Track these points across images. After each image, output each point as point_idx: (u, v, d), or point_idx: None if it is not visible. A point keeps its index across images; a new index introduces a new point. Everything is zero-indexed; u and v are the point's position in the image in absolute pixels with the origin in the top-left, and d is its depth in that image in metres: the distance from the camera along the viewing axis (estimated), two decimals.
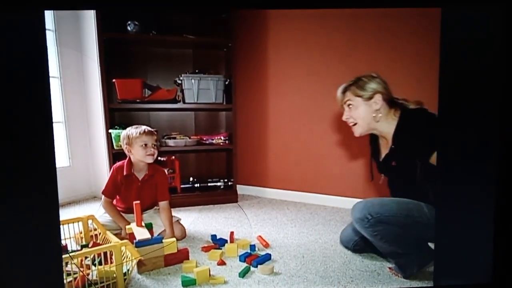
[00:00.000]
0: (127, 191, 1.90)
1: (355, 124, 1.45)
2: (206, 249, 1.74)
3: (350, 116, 1.44)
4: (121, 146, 2.42)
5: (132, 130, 1.88)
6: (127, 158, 1.91)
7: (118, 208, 1.92)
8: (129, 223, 1.75)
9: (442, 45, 0.92)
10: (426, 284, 1.38)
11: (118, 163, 1.92)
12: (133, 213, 1.77)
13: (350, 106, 1.44)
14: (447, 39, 0.91)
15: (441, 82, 0.93)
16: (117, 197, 1.94)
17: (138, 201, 1.65)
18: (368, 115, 1.40)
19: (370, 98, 1.39)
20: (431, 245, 1.42)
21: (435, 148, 1.20)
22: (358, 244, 1.66)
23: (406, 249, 1.40)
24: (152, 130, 1.93)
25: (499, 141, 0.90)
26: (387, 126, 1.41)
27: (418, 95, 2.20)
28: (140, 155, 1.85)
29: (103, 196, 1.87)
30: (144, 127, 1.90)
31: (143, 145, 1.84)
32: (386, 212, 1.34)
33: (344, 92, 1.45)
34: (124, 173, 1.87)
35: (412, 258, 1.41)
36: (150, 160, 1.87)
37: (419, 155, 1.30)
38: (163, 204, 1.90)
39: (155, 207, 2.01)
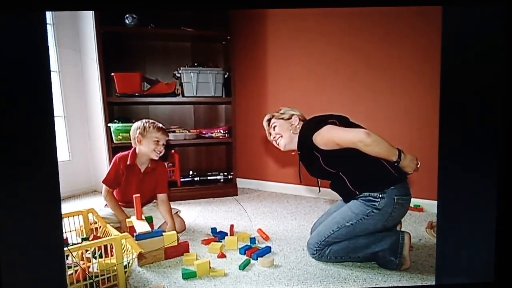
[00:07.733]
0: (127, 182, 1.88)
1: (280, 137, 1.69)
2: (206, 242, 1.75)
3: (275, 133, 1.70)
4: (120, 139, 2.44)
5: (149, 124, 1.86)
6: (132, 149, 1.89)
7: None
8: (127, 217, 1.75)
9: (443, 42, 0.91)
10: (428, 282, 1.38)
11: (121, 153, 1.91)
12: (131, 207, 1.76)
13: (275, 127, 1.70)
14: (448, 36, 0.91)
15: (442, 79, 0.93)
16: (116, 189, 1.93)
17: (138, 195, 1.65)
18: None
19: (289, 118, 1.69)
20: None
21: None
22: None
23: (368, 251, 1.48)
24: (167, 130, 1.94)
25: (502, 138, 0.90)
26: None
27: (417, 90, 2.22)
28: (149, 149, 1.84)
29: (103, 186, 1.86)
30: (161, 125, 1.90)
31: (156, 141, 1.84)
32: (326, 233, 1.52)
33: (269, 119, 1.74)
34: (128, 163, 1.85)
35: (382, 254, 1.45)
36: (155, 157, 1.87)
37: (310, 151, 1.55)
38: (162, 196, 1.90)
39: (154, 201, 2.01)
